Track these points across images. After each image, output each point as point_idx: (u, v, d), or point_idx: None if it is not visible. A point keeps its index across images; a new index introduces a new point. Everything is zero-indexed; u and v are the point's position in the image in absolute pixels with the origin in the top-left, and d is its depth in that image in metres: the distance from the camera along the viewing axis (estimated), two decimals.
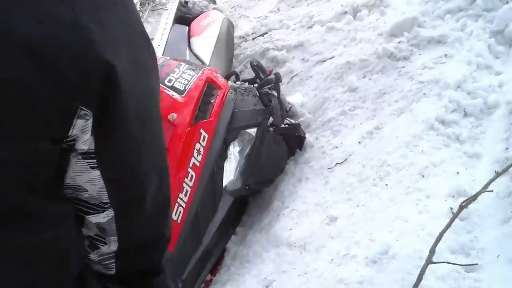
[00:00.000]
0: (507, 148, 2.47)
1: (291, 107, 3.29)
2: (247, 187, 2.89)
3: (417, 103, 2.97)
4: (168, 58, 3.09)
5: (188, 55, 3.60)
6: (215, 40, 3.76)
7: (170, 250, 2.39)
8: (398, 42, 3.39)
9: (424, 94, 2.99)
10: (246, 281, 2.50)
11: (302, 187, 2.89)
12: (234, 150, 2.91)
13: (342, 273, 2.17)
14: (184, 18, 3.99)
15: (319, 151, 3.06)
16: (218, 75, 3.05)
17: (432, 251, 1.99)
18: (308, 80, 3.56)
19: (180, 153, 2.62)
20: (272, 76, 3.10)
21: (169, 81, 2.79)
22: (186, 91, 2.77)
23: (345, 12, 3.90)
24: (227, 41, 3.93)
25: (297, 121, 3.14)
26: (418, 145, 2.70)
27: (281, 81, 3.15)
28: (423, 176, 2.54)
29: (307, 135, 3.18)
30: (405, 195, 2.46)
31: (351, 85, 3.31)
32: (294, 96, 3.42)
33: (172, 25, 3.86)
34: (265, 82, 3.05)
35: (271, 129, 3.00)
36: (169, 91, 2.74)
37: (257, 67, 3.23)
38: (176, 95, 2.74)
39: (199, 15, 4.03)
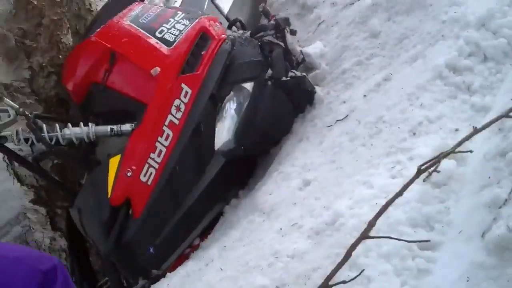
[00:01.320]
0: None
1: (303, 57, 2.98)
2: (242, 148, 2.64)
3: (433, 47, 2.57)
4: (167, 7, 2.93)
5: (206, 5, 3.40)
6: None
7: (136, 214, 2.34)
8: None
9: (443, 36, 2.57)
10: (210, 249, 2.35)
11: (300, 147, 2.63)
12: (230, 108, 2.70)
13: (280, 245, 1.94)
14: None
15: (327, 107, 2.76)
16: (216, 23, 2.82)
17: (371, 224, 1.69)
18: (333, 27, 3.22)
19: (156, 110, 2.49)
20: (271, 22, 2.83)
21: (161, 32, 2.65)
22: (176, 42, 2.62)
23: None
24: None
25: (303, 73, 2.82)
26: (420, 97, 2.33)
27: (284, 28, 2.84)
28: (414, 134, 2.19)
29: (319, 89, 2.87)
30: (385, 156, 2.14)
31: (373, 30, 2.94)
32: (313, 46, 3.10)
33: None
34: (258, 28, 2.78)
35: (270, 83, 2.71)
36: (157, 43, 2.61)
37: (262, 13, 2.99)
38: (163, 48, 2.59)
39: None
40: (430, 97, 2.29)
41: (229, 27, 2.99)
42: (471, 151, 1.87)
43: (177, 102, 2.49)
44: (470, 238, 1.65)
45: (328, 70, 2.97)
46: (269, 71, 2.74)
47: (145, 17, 2.77)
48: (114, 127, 2.53)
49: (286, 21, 2.86)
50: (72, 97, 2.75)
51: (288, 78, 2.75)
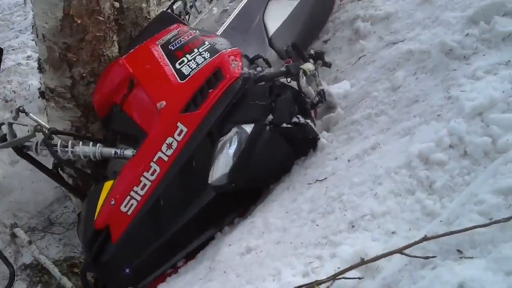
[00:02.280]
0: (443, 220, 1.96)
1: (319, 100, 2.94)
2: (233, 185, 2.68)
3: (426, 125, 2.44)
4: (200, 33, 2.97)
5: (256, 23, 3.41)
6: (294, 6, 3.45)
7: (114, 239, 2.60)
8: (466, 35, 2.73)
9: (439, 115, 2.44)
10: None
11: (282, 197, 2.67)
12: (229, 147, 2.69)
13: None
14: None
15: (323, 158, 2.75)
16: (236, 60, 2.82)
17: None
18: (369, 65, 3.13)
19: (149, 145, 2.64)
20: (282, 69, 2.81)
21: (181, 63, 2.75)
22: (189, 77, 2.70)
23: None
24: (315, 7, 3.54)
25: (307, 121, 2.79)
26: (381, 185, 2.28)
27: (297, 73, 2.79)
28: (353, 227, 2.17)
29: (326, 135, 2.85)
30: (314, 246, 2.16)
31: (395, 82, 2.84)
32: (339, 85, 3.06)
33: None
34: (259, 78, 2.76)
35: (268, 128, 2.70)
36: (173, 74, 2.72)
37: (286, 52, 2.96)
38: (176, 81, 2.70)
39: None
40: (388, 188, 2.22)
41: (251, 63, 2.99)
42: (359, 278, 1.85)
43: (169, 140, 2.60)
44: None
45: (343, 116, 2.93)
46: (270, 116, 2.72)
47: (175, 43, 2.88)
48: (118, 150, 2.76)
49: (299, 66, 2.79)
50: (96, 111, 3.02)
51: (289, 126, 2.73)
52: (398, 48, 3.01)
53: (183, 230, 2.71)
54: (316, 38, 3.70)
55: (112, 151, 2.77)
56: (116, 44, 3.16)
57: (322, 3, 3.67)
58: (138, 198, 2.61)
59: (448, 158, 2.21)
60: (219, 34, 3.35)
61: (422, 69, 2.78)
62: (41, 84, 3.25)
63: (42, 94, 3.23)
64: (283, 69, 2.76)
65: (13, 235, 3.49)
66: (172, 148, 2.60)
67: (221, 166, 2.67)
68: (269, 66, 3.00)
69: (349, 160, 2.56)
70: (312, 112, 3.03)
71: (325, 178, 2.56)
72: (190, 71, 2.72)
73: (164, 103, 2.65)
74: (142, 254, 2.68)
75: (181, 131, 2.61)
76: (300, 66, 2.88)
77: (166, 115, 2.64)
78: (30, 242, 3.44)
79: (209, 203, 2.71)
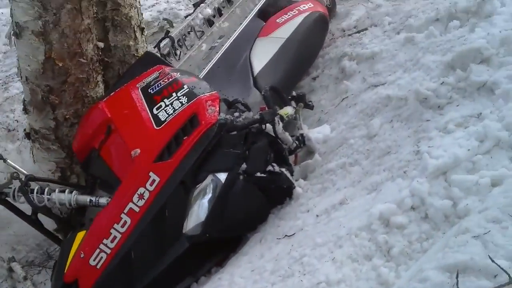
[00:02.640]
0: None
1: (296, 146, 2.90)
2: (207, 235, 2.62)
3: (392, 182, 2.39)
4: (181, 75, 2.91)
5: (241, 62, 3.38)
6: (280, 44, 3.41)
7: None
8: (442, 83, 2.66)
9: (405, 172, 2.38)
10: None
11: (254, 250, 2.65)
12: (204, 196, 2.63)
13: None
14: (266, 11, 3.64)
15: (295, 209, 2.71)
16: (213, 105, 2.74)
17: None
18: (350, 108, 3.08)
19: (120, 195, 2.59)
20: (256, 116, 2.75)
21: (158, 108, 2.71)
22: (165, 123, 2.65)
23: (437, 20, 3.13)
24: (303, 44, 3.48)
25: (281, 170, 2.75)
26: (341, 248, 2.23)
27: (272, 120, 2.75)
28: None
29: (302, 184, 2.81)
30: None
31: (371, 130, 2.78)
32: (318, 130, 3.02)
33: (252, 18, 3.59)
34: (233, 127, 2.67)
35: (241, 177, 2.64)
36: (150, 120, 2.68)
37: (263, 97, 2.92)
38: (152, 128, 2.65)
39: (286, 7, 3.62)
40: (346, 252, 2.17)
41: (229, 107, 2.95)
42: None
43: (141, 190, 2.53)
44: None
45: (320, 163, 2.88)
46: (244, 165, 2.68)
47: (154, 87, 2.83)
48: (93, 198, 2.76)
49: (275, 113, 2.75)
50: (76, 154, 3.03)
51: (263, 175, 2.69)
52: (377, 92, 2.95)
53: (155, 283, 2.64)
54: (306, 74, 3.65)
55: (87, 199, 2.77)
56: (100, 85, 3.16)
57: (311, 39, 3.61)
58: (108, 251, 2.56)
59: (408, 221, 2.15)
60: (205, 72, 3.33)
61: (398, 117, 2.72)
62: (26, 125, 3.28)
63: (27, 135, 3.26)
64: (257, 116, 2.70)
65: (10, 270, 3.52)
66: (144, 199, 2.54)
67: (195, 216, 2.62)
68: (248, 110, 2.93)
69: (317, 215, 2.52)
70: (293, 157, 3.00)
71: (293, 234, 2.52)
72: (167, 117, 2.66)
73: (138, 151, 2.60)
74: None
75: (154, 180, 2.54)
76: (278, 112, 2.85)
77: (139, 164, 2.59)
78: (25, 278, 3.44)
79: (183, 253, 2.64)
